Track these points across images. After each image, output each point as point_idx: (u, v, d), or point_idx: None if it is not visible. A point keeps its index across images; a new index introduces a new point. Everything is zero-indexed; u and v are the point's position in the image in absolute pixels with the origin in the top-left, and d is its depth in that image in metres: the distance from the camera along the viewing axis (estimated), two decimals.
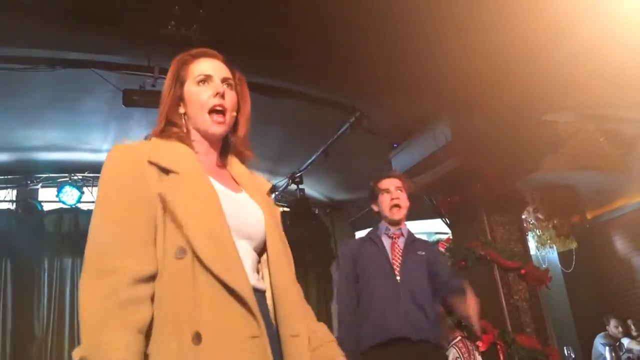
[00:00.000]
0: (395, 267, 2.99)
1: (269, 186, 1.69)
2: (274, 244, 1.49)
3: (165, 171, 1.40)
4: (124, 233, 1.31)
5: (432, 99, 5.30)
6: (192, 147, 1.51)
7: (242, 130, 1.61)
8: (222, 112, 1.52)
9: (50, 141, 6.63)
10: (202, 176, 1.43)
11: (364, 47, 4.55)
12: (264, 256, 1.51)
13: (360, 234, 3.39)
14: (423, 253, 3.08)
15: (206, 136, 1.54)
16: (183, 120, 1.55)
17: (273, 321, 1.43)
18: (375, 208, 3.18)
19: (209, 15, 4.07)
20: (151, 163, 1.40)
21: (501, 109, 5.31)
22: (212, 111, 1.51)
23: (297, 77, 4.93)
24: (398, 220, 3.10)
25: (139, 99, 4.83)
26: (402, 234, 3.13)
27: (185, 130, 1.54)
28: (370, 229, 3.24)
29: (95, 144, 6.79)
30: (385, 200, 3.08)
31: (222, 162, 1.60)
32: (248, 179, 1.59)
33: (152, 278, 1.30)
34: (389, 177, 3.16)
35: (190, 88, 1.54)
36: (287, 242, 1.58)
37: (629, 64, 4.43)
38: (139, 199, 1.35)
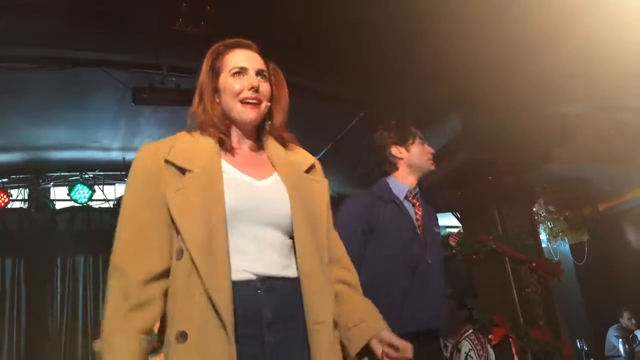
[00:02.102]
0: (425, 246, 2.52)
1: (308, 163, 1.66)
2: (300, 231, 1.48)
3: (182, 170, 1.45)
4: (136, 232, 1.42)
5: (441, 92, 5.28)
6: (222, 139, 1.55)
7: (277, 118, 1.65)
8: (257, 103, 1.56)
9: (60, 140, 6.67)
10: (215, 171, 1.46)
11: (373, 42, 4.54)
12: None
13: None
14: (438, 230, 2.71)
15: (240, 124, 1.58)
16: (217, 111, 1.57)
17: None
18: (398, 154, 2.67)
19: (216, 12, 4.07)
20: (167, 162, 1.46)
21: (511, 102, 5.27)
22: (245, 103, 1.55)
23: (306, 72, 4.92)
24: (427, 173, 2.70)
25: (148, 96, 4.85)
26: (418, 200, 2.66)
27: (218, 121, 1.56)
28: (377, 183, 2.71)
29: (105, 142, 6.82)
30: (421, 150, 2.68)
31: (259, 146, 1.63)
32: (285, 160, 1.60)
33: (163, 275, 1.40)
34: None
35: (225, 79, 1.57)
36: (324, 221, 1.55)
37: (637, 55, 4.38)
38: (151, 199, 1.43)
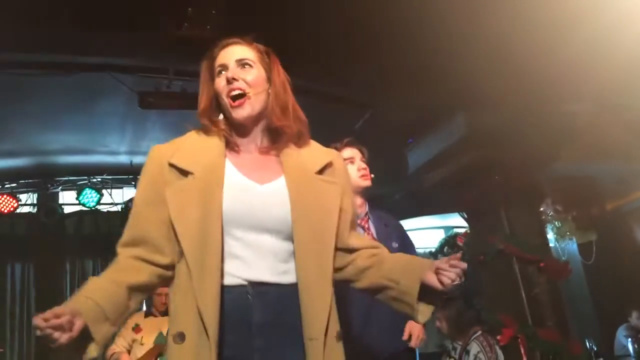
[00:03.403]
0: None
1: (322, 162, 1.59)
2: (300, 236, 1.45)
3: (184, 172, 1.47)
4: (137, 229, 1.48)
5: (446, 92, 5.27)
6: (228, 141, 1.55)
7: (272, 104, 1.57)
8: (240, 96, 1.53)
9: (68, 145, 6.70)
10: (217, 173, 1.47)
11: (377, 44, 4.54)
12: None
13: None
14: (396, 245, 2.69)
15: (236, 123, 1.57)
16: (221, 115, 1.59)
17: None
18: None
19: (221, 16, 4.08)
20: (171, 165, 1.48)
21: (517, 101, 5.26)
22: (231, 97, 1.53)
23: (311, 74, 4.92)
24: (365, 189, 2.73)
25: (155, 100, 4.88)
26: (368, 222, 2.74)
27: (221, 125, 1.57)
28: None
29: (113, 147, 6.85)
30: (352, 171, 2.69)
31: (272, 147, 1.58)
32: (295, 162, 1.55)
33: (161, 266, 1.45)
34: (349, 145, 2.82)
35: (215, 82, 1.57)
36: (334, 225, 1.51)
37: None
38: (153, 200, 1.47)
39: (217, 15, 4.07)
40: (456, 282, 1.38)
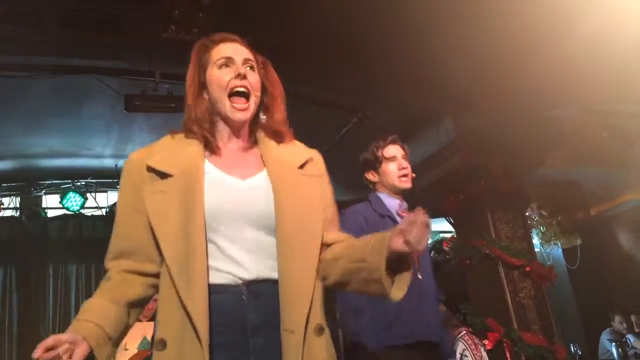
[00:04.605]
0: (416, 261, 2.42)
1: (304, 157, 1.57)
2: (283, 230, 1.41)
3: (162, 175, 1.43)
4: (126, 241, 1.46)
5: (434, 97, 5.30)
6: (207, 139, 1.50)
7: (278, 113, 1.59)
8: (245, 95, 1.50)
9: (52, 148, 6.64)
10: (196, 174, 1.43)
11: (366, 47, 4.54)
12: None
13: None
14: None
15: (229, 122, 1.52)
16: (206, 108, 1.53)
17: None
18: (372, 178, 2.79)
19: (208, 19, 4.07)
20: (149, 169, 1.44)
21: (504, 106, 5.30)
22: (234, 94, 1.50)
23: (299, 77, 4.92)
24: (405, 190, 2.72)
25: (141, 103, 4.84)
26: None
27: (202, 117, 1.51)
28: (367, 200, 2.76)
29: (98, 150, 6.80)
30: (393, 169, 2.72)
31: (251, 142, 1.57)
32: (277, 156, 1.53)
33: (154, 275, 1.42)
34: (394, 143, 2.79)
35: (212, 72, 1.52)
36: (318, 218, 1.48)
37: (631, 58, 4.41)
38: (133, 206, 1.44)
39: (204, 19, 4.05)
40: (424, 240, 1.28)
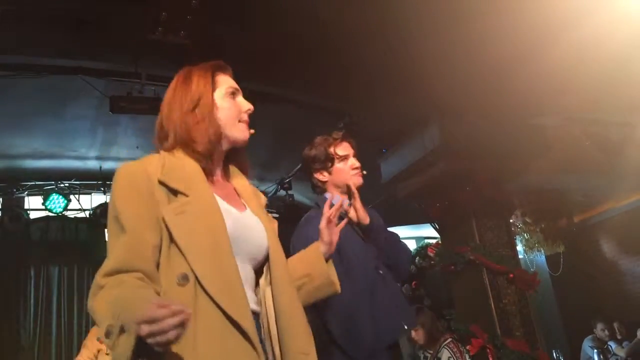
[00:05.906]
0: (375, 257, 2.41)
1: (265, 199, 1.71)
2: (277, 263, 1.48)
3: (174, 192, 1.38)
4: (138, 258, 1.30)
5: (421, 103, 5.32)
6: (208, 165, 1.50)
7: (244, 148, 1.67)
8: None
9: (36, 149, 6.57)
10: (210, 199, 1.41)
11: (352, 52, 4.55)
12: (265, 274, 1.49)
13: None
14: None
15: (233, 143, 1.58)
16: (215, 126, 1.52)
17: (270, 340, 1.43)
18: (322, 178, 2.55)
19: (196, 21, 4.05)
20: (161, 183, 1.38)
21: (490, 113, 5.34)
22: (241, 121, 1.59)
23: (285, 82, 4.92)
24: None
25: (126, 105, 4.80)
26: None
27: (214, 138, 1.51)
28: (316, 205, 2.54)
29: (82, 151, 6.74)
30: (346, 167, 2.53)
31: (226, 175, 1.62)
32: (250, 193, 1.60)
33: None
34: (345, 140, 2.59)
35: (225, 97, 1.57)
36: (284, 256, 1.56)
37: (613, 69, 4.48)
38: (150, 223, 1.33)
39: (192, 21, 4.04)
40: (335, 236, 1.75)
